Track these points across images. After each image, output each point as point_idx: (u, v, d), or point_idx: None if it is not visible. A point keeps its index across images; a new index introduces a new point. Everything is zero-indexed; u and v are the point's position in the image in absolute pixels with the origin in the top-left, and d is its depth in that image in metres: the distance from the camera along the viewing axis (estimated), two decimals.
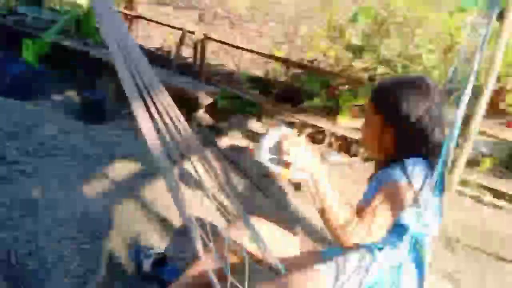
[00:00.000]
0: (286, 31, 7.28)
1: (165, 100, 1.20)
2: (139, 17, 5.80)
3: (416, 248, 1.40)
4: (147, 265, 2.16)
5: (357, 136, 3.77)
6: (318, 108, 3.88)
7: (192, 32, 4.65)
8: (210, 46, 5.52)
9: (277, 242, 1.55)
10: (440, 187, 1.41)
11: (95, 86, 4.29)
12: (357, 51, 4.40)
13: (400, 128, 1.45)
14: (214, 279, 0.88)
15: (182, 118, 1.18)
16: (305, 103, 3.92)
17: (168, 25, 5.79)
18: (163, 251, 2.38)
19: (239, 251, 1.32)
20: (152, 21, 5.84)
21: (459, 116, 1.13)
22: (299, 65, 4.62)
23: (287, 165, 1.31)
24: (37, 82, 4.18)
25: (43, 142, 3.29)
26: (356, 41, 4.52)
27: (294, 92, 4.35)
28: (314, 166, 1.32)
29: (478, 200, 3.39)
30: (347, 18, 5.69)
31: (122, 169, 3.18)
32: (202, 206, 2.28)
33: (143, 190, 2.98)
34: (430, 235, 1.46)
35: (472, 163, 3.64)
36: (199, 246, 0.89)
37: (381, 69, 4.15)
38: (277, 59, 4.68)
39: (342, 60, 4.49)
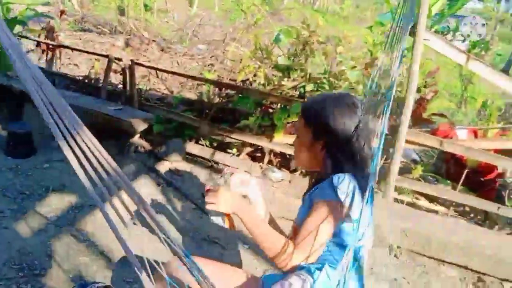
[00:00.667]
0: (215, 53, 7.37)
1: (86, 136, 1.22)
2: (62, 46, 5.63)
3: (355, 261, 1.45)
4: None
5: (293, 151, 3.89)
6: (254, 127, 3.97)
7: (119, 59, 4.58)
8: (140, 71, 5.47)
9: (220, 278, 1.54)
10: (370, 199, 1.47)
11: (21, 119, 4.10)
12: (285, 70, 4.56)
13: (327, 142, 1.52)
14: None
15: (105, 154, 1.20)
16: (241, 123, 3.99)
17: (94, 53, 5.67)
18: (107, 283, 2.33)
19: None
20: (76, 49, 5.69)
21: (383, 126, 1.19)
22: (232, 86, 4.70)
23: (228, 217, 1.60)
24: None
25: None
26: (282, 61, 4.68)
27: (229, 112, 4.42)
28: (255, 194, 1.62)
29: (414, 206, 3.58)
30: (270, 39, 5.89)
31: (57, 202, 3.08)
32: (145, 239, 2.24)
33: (81, 223, 2.90)
34: (365, 247, 1.52)
35: (404, 170, 3.88)
36: (144, 278, 0.89)
37: (309, 87, 4.33)
38: (209, 81, 4.73)
39: (271, 80, 4.63)
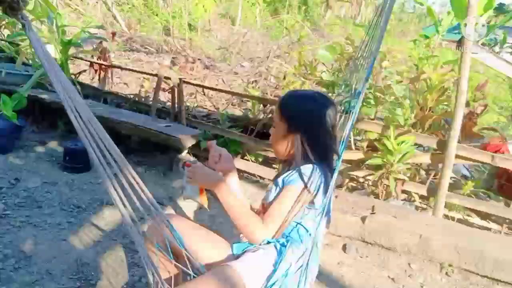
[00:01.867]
0: (259, 70, 7.49)
1: (125, 167, 1.38)
2: (113, 66, 5.89)
3: (314, 247, 1.57)
4: None
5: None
6: None
7: (168, 78, 4.75)
8: (187, 89, 5.64)
9: (193, 237, 1.68)
10: (330, 190, 1.59)
11: (76, 136, 4.31)
12: (330, 86, 4.58)
13: (300, 135, 1.65)
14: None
15: (139, 181, 1.39)
16: None
17: (144, 72, 5.91)
18: None
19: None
20: (127, 69, 5.94)
21: (350, 123, 1.41)
22: (276, 103, 4.76)
23: (201, 192, 1.80)
24: (17, 136, 4.18)
25: (30, 194, 3.29)
26: (326, 77, 4.70)
27: None
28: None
29: (465, 223, 3.49)
30: (314, 55, 5.93)
31: (111, 216, 3.20)
32: None
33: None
34: (322, 235, 1.71)
35: (454, 186, 3.78)
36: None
37: (354, 102, 4.32)
38: (254, 98, 4.81)
39: None
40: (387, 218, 3.11)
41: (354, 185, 4.10)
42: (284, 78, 5.43)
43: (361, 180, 4.11)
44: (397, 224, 3.05)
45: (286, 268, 1.52)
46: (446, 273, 2.91)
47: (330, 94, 4.48)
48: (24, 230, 2.81)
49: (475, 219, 3.56)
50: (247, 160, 4.23)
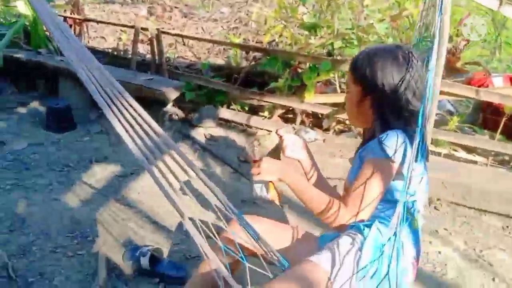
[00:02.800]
0: (238, 16, 7.29)
1: (129, 103, 1.26)
2: (88, 20, 5.69)
3: (408, 218, 1.42)
4: (144, 262, 2.21)
5: (325, 111, 3.89)
6: (284, 88, 3.97)
7: (146, 29, 4.61)
8: (166, 40, 5.49)
9: (275, 236, 1.57)
10: (422, 154, 1.41)
11: (57, 94, 4.22)
12: (312, 28, 4.49)
13: (377, 97, 1.48)
14: (219, 281, 0.87)
15: (149, 118, 1.24)
16: (271, 85, 4.00)
17: (120, 24, 5.72)
18: (157, 246, 2.44)
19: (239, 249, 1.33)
20: (102, 22, 5.75)
21: (429, 76, 1.16)
22: (259, 49, 4.68)
23: (270, 187, 1.59)
24: None
25: (16, 156, 3.26)
26: (308, 19, 4.61)
27: (258, 76, 4.42)
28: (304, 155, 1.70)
29: (452, 157, 3.54)
30: None
31: (101, 172, 3.20)
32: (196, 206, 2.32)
33: (125, 191, 3.02)
34: (419, 203, 1.49)
35: (440, 122, 3.83)
36: (203, 246, 0.88)
37: (337, 44, 4.27)
38: (236, 45, 4.72)
39: (298, 39, 4.58)
40: None
41: (341, 128, 4.13)
42: (265, 22, 5.31)
43: (348, 122, 4.14)
44: None
45: (375, 251, 1.35)
46: (435, 207, 3.00)
47: (313, 38, 4.42)
48: (15, 193, 2.81)
49: (461, 154, 3.64)
50: (233, 109, 4.21)
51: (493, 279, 2.40)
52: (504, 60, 6.47)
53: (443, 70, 3.31)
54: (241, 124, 4.03)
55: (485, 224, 2.88)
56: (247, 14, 7.18)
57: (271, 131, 3.84)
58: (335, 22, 4.26)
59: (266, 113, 4.17)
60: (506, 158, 3.65)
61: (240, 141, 3.84)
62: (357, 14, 4.35)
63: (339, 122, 4.10)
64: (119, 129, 1.15)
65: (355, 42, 4.15)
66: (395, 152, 1.37)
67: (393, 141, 1.38)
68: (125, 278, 2.24)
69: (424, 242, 2.58)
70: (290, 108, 4.11)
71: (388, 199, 1.44)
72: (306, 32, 4.45)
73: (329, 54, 4.22)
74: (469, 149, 3.67)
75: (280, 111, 4.12)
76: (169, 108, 3.98)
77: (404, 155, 1.38)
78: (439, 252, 2.60)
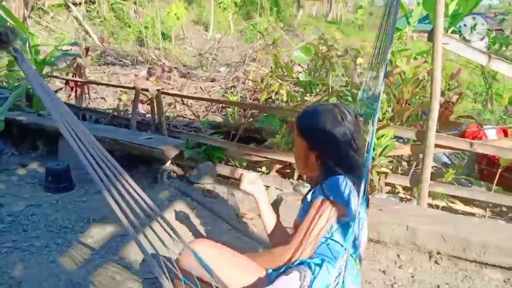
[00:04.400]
0: (236, 75, 7.51)
1: (115, 169, 1.33)
2: (89, 82, 5.85)
3: (352, 259, 1.56)
4: None
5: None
6: (281, 144, 4.03)
7: (146, 89, 4.74)
8: (166, 99, 5.63)
9: (224, 264, 1.63)
10: (364, 202, 1.60)
11: (57, 155, 4.27)
12: (307, 86, 4.63)
13: (320, 151, 1.65)
14: None
15: (133, 183, 1.32)
16: (268, 141, 4.07)
17: (121, 86, 5.89)
18: None
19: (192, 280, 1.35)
20: (103, 84, 5.91)
21: (372, 132, 1.36)
22: (256, 106, 4.80)
23: None
24: None
25: (15, 218, 3.24)
26: (303, 77, 4.76)
27: (255, 132, 4.51)
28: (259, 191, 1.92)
29: (450, 210, 3.54)
30: (290, 57, 5.98)
31: (99, 233, 3.17)
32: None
33: (124, 251, 2.98)
34: (361, 246, 1.65)
35: (436, 175, 3.86)
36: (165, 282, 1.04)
37: (332, 100, 4.38)
38: (233, 103, 4.84)
39: (294, 96, 4.71)
40: (374, 212, 3.15)
41: None
42: (262, 81, 5.47)
43: None
44: (383, 217, 3.10)
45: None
46: (435, 261, 2.96)
47: (308, 95, 4.54)
48: (12, 255, 2.77)
49: (459, 206, 3.64)
50: (232, 165, 4.24)
51: None
52: (497, 111, 6.61)
53: (437, 124, 3.38)
54: (239, 180, 4.04)
55: (487, 277, 2.84)
56: (244, 73, 7.41)
57: (269, 187, 3.86)
58: (329, 79, 4.40)
59: (264, 169, 4.20)
60: (504, 209, 3.65)
61: (238, 197, 3.83)
62: (351, 72, 4.50)
63: None
64: (106, 195, 1.23)
65: (350, 99, 4.26)
66: (338, 195, 1.52)
67: (337, 185, 1.54)
68: None
69: None
70: (288, 163, 4.15)
71: (335, 240, 1.57)
72: (302, 90, 4.58)
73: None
74: (466, 201, 3.68)
75: (277, 166, 4.16)
76: (168, 166, 4.01)
77: (348, 196, 1.52)
78: None
